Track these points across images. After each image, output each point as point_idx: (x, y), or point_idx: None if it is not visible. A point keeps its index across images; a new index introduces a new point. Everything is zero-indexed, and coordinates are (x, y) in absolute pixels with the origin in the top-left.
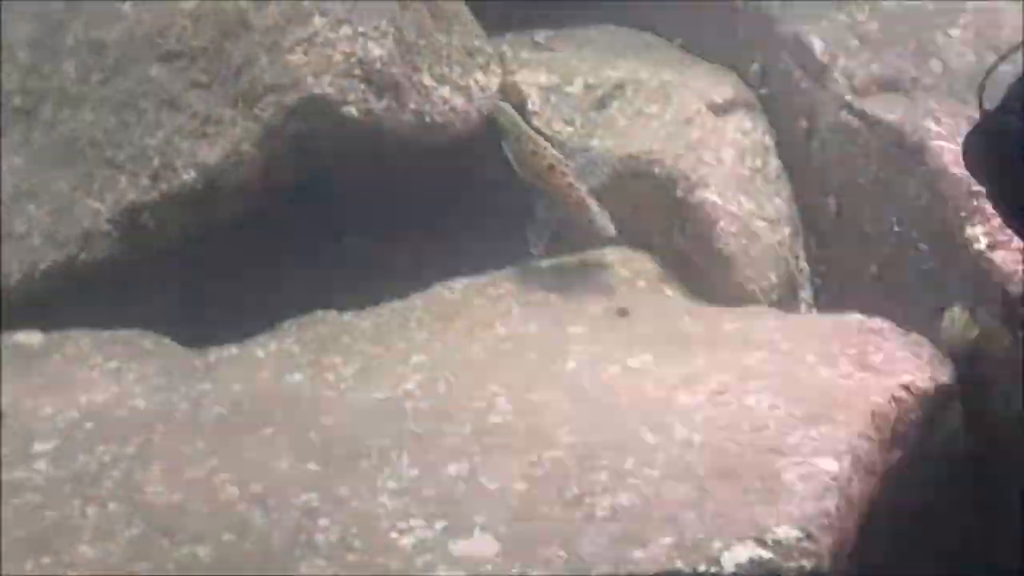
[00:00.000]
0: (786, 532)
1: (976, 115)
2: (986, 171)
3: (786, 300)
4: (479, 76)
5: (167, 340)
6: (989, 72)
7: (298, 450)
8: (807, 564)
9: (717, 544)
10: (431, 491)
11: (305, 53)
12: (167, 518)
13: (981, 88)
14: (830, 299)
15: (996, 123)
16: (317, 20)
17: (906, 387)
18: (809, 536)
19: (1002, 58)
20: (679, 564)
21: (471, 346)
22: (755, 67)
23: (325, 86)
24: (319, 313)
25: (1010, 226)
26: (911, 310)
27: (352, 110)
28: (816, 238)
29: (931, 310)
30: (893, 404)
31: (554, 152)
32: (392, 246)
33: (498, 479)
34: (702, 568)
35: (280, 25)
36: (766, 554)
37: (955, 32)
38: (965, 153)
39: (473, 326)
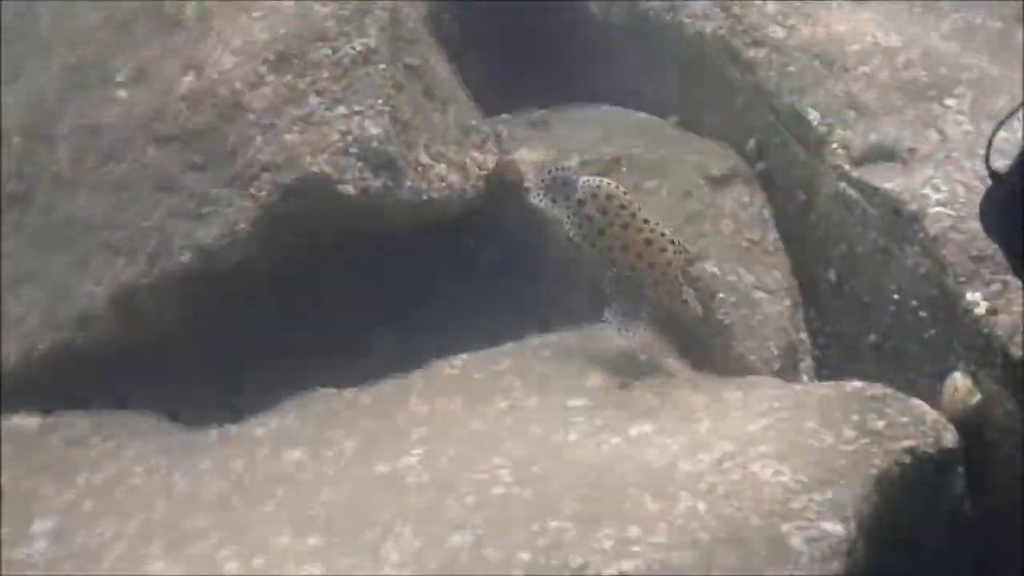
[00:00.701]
0: None
1: (977, 181)
2: (999, 231)
3: (787, 370)
4: (475, 154)
5: (166, 420)
6: (991, 138)
7: (299, 524)
8: None
9: None
10: (434, 563)
11: (301, 132)
12: None
13: (986, 154)
14: (831, 370)
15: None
16: (312, 99)
17: (910, 451)
18: None
19: (1000, 124)
20: None
21: (472, 420)
22: (752, 141)
23: (322, 164)
24: (319, 390)
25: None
26: (913, 378)
27: (349, 188)
28: (816, 309)
29: (933, 377)
30: (897, 468)
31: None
32: (393, 323)
33: (502, 550)
34: None
35: (276, 106)
36: None
37: (951, 102)
38: (983, 215)
39: (474, 400)
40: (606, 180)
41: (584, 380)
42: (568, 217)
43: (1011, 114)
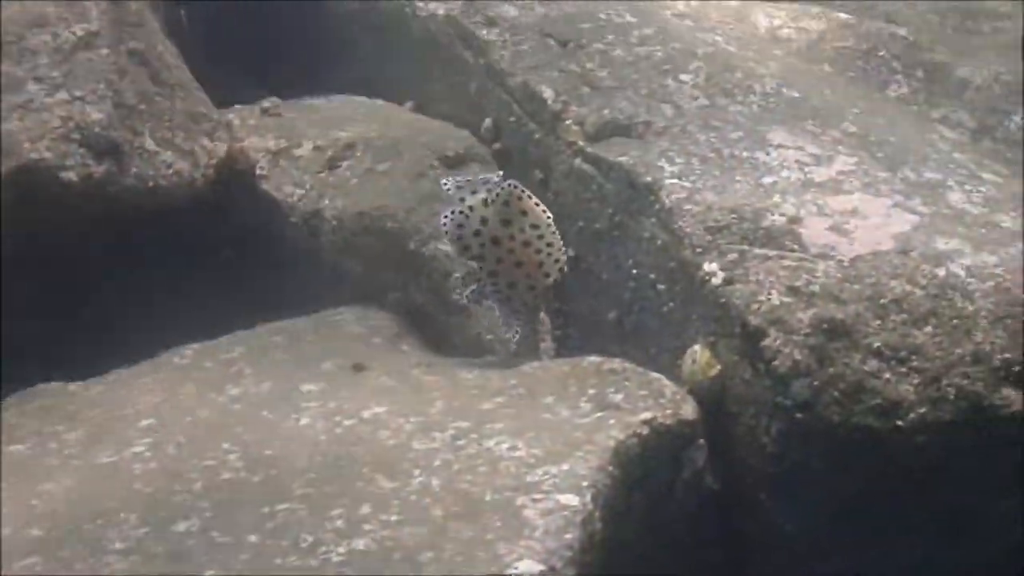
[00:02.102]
0: (528, 567)
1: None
2: None
3: (526, 350)
4: (204, 142)
5: None
6: None
7: (20, 517)
8: None
9: None
10: (160, 548)
11: (20, 119)
12: None
13: None
14: (572, 349)
15: None
16: (32, 86)
17: (647, 423)
18: (552, 570)
19: None
20: None
21: (201, 408)
22: (488, 121)
23: (42, 151)
24: (41, 386)
25: None
26: (654, 353)
27: (71, 175)
28: (555, 288)
29: (674, 351)
30: (635, 440)
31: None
32: (125, 313)
33: (230, 533)
34: None
35: None
36: None
37: (686, 77)
38: None
39: (204, 389)
40: (526, 192)
41: (318, 365)
42: (455, 213)
43: None
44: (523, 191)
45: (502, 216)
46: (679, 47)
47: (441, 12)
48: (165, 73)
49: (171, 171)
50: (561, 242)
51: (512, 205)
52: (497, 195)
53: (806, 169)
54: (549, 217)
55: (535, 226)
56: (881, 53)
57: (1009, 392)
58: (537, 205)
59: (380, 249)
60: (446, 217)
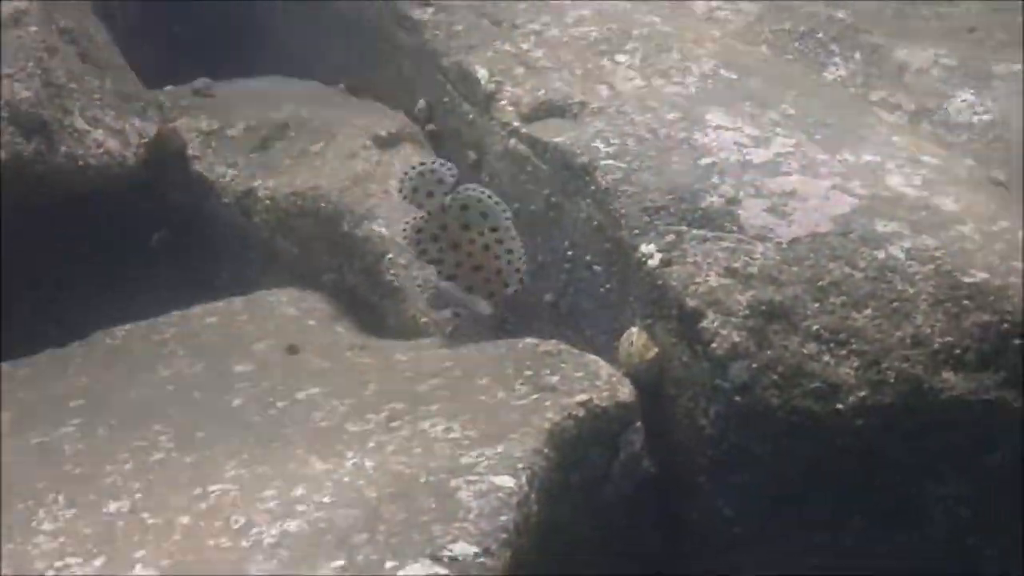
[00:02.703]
0: (463, 548)
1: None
2: None
3: (460, 333)
4: (135, 121)
5: None
6: None
7: None
8: None
9: (390, 563)
10: (89, 529)
11: None
12: None
13: None
14: (508, 332)
15: None
16: None
17: (583, 404)
18: (487, 551)
19: None
20: None
21: (132, 389)
22: (421, 102)
23: None
24: None
25: None
26: (590, 335)
27: (1, 153)
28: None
29: (610, 333)
30: (571, 421)
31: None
32: (55, 296)
33: (161, 514)
34: None
35: None
36: (442, 571)
37: (622, 58)
38: None
39: (135, 370)
40: (486, 192)
41: (251, 346)
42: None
43: None
44: (485, 194)
45: (461, 221)
46: (615, 27)
47: None
48: (95, 52)
49: (101, 150)
50: (522, 249)
51: (472, 208)
52: (455, 198)
53: (744, 150)
54: (509, 219)
55: (494, 229)
56: (819, 35)
57: (949, 376)
58: (497, 205)
59: (314, 230)
60: (406, 222)
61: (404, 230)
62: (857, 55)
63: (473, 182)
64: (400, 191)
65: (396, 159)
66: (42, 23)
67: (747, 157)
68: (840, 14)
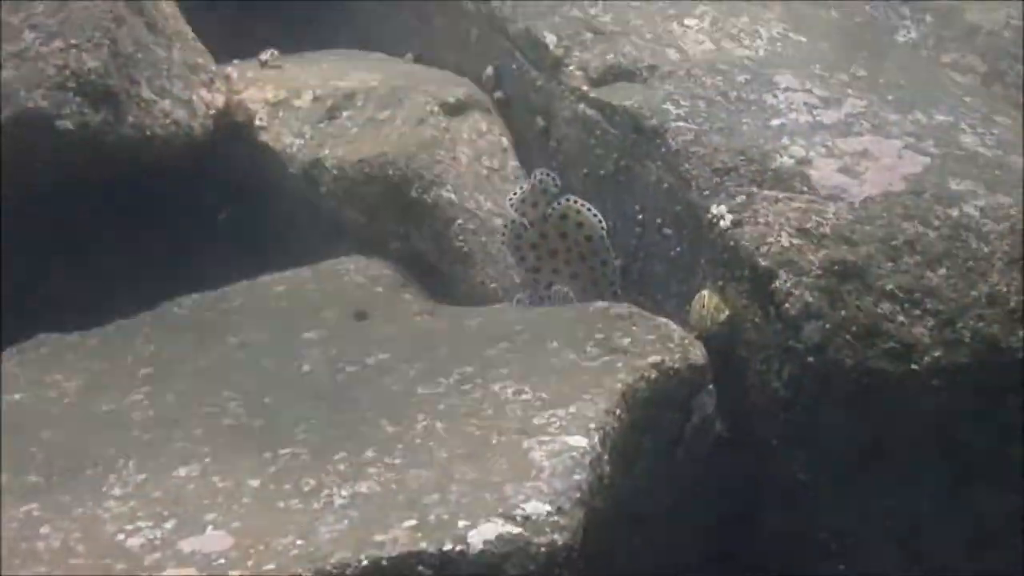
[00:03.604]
0: (536, 507)
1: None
2: None
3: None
4: (203, 92)
5: None
6: None
7: (18, 464)
8: (558, 538)
9: (462, 523)
10: (160, 493)
11: (17, 68)
12: None
13: None
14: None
15: None
16: (28, 34)
17: (656, 366)
18: (560, 510)
19: None
20: (423, 544)
21: (200, 358)
22: (489, 69)
23: (38, 99)
24: (41, 336)
25: None
26: (661, 300)
27: (67, 123)
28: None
29: (681, 297)
30: (643, 383)
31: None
32: (124, 266)
33: (231, 477)
34: (448, 547)
35: None
36: (515, 529)
37: (691, 22)
38: None
39: (203, 339)
40: (585, 205)
41: (319, 313)
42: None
43: None
44: (582, 204)
45: (559, 229)
46: None
47: None
48: (162, 22)
49: (169, 120)
50: (616, 262)
51: (570, 218)
52: (555, 208)
53: (815, 111)
54: (604, 231)
55: (589, 238)
56: None
57: None
58: (594, 217)
59: (381, 198)
60: (506, 226)
61: (503, 234)
62: (928, 17)
63: (543, 148)
64: (510, 203)
65: (464, 126)
66: None
67: (818, 118)
68: None
